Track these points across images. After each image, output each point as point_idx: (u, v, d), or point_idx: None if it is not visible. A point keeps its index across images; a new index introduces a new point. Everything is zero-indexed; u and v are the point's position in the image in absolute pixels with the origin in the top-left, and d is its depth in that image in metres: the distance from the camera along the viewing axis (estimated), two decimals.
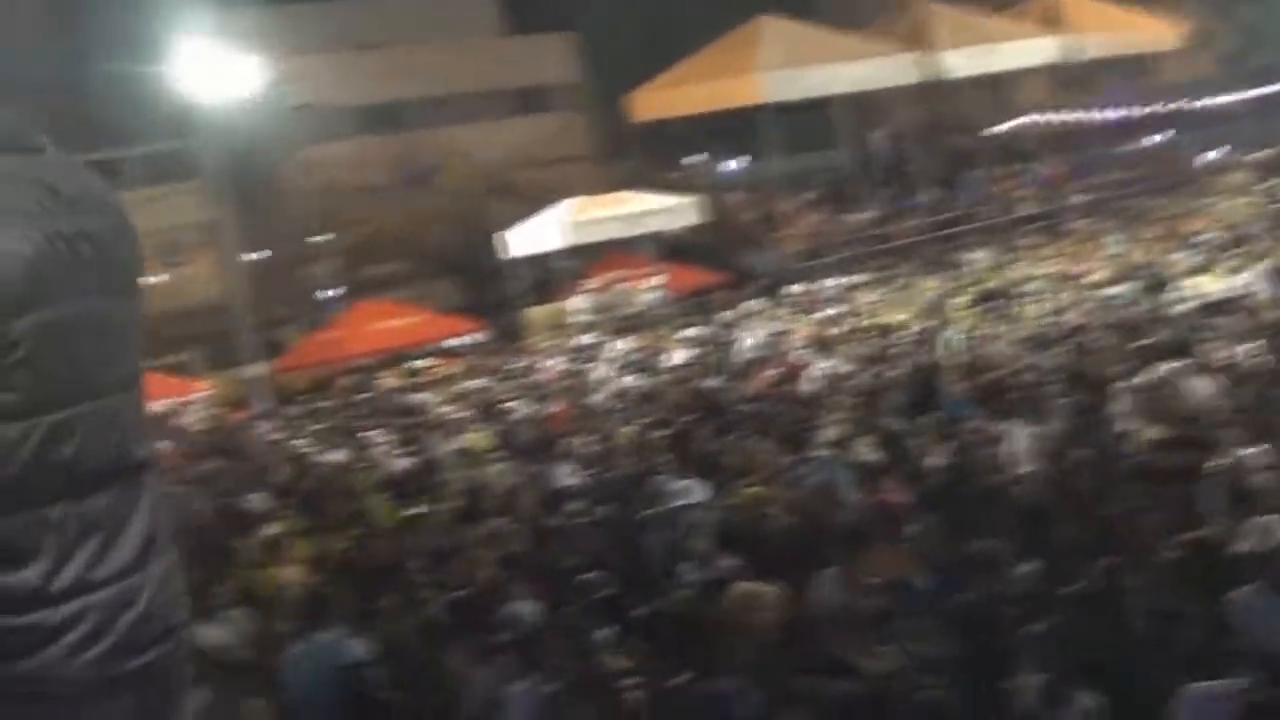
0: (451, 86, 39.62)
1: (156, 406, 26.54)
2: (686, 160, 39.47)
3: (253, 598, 9.81)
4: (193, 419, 24.69)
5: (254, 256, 40.69)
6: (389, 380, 24.38)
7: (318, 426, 18.96)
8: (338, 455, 15.84)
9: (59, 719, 2.52)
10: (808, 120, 36.88)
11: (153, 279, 43.21)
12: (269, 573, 10.46)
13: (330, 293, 41.45)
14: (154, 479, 2.65)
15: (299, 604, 9.68)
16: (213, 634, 9.43)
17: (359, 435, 16.92)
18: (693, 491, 10.38)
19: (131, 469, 2.57)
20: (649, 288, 23.09)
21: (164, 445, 20.68)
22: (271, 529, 12.03)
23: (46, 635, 2.46)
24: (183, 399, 27.38)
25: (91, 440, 2.45)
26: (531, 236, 24.00)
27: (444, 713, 7.46)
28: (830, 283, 26.52)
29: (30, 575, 2.45)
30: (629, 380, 18.00)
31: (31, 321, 2.11)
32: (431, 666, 7.84)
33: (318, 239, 39.77)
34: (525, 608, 8.68)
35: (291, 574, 10.66)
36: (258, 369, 27.68)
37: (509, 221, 27.15)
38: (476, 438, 15.36)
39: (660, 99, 35.48)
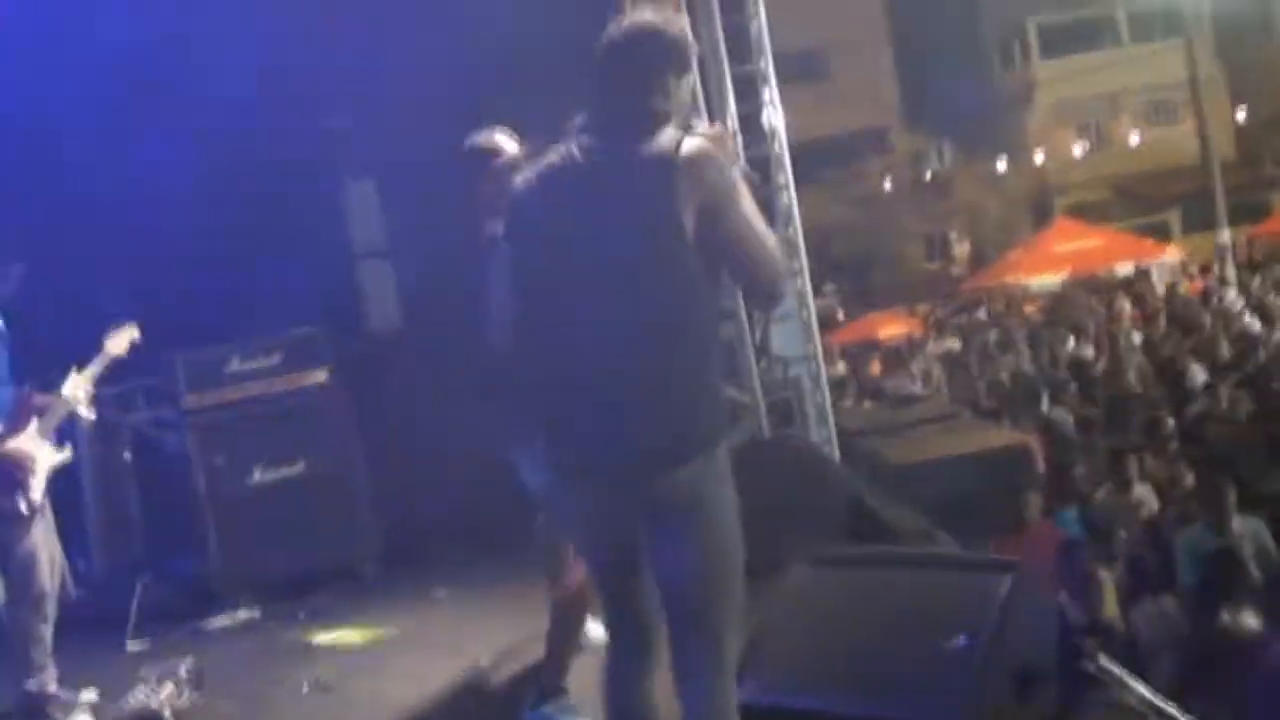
0: None
1: (1122, 268, 26.48)
2: None
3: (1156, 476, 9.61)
4: (1155, 282, 24.26)
5: (1242, 114, 38.95)
6: None
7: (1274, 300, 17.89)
8: None
9: None
10: None
11: (1136, 138, 42.92)
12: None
13: None
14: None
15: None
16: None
17: None
18: None
19: None
20: None
21: (1124, 308, 20.65)
22: (1201, 405, 11.65)
23: None
24: (1150, 260, 27.07)
25: None
26: None
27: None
28: None
29: None
30: None
31: None
32: None
33: None
34: None
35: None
36: (1230, 233, 26.51)
37: None
38: None
39: None
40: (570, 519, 4.03)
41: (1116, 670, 4.68)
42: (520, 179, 3.78)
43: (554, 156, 3.70)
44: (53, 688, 5.98)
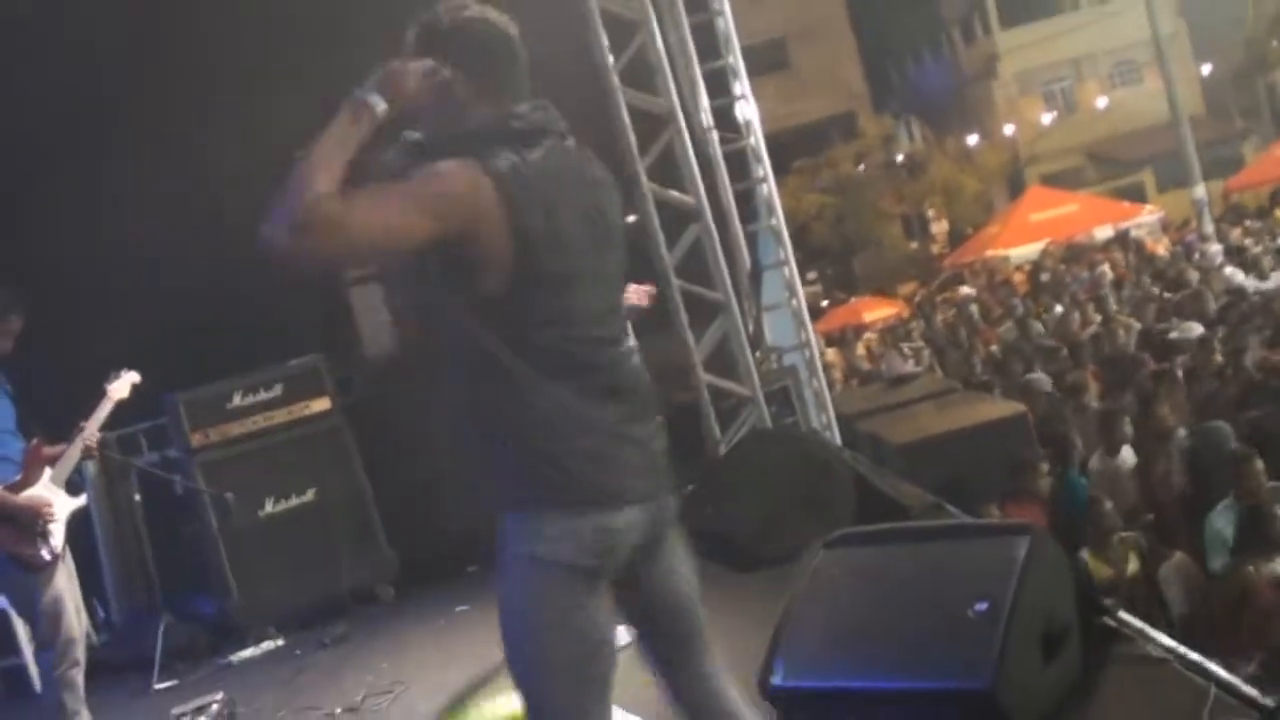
0: None
1: (1101, 231, 26.58)
2: None
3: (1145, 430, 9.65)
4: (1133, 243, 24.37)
5: (1207, 69, 39.11)
6: None
7: (1257, 250, 17.94)
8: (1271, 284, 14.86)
9: None
10: None
11: (1103, 102, 43.05)
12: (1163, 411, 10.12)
13: None
14: None
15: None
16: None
17: None
18: None
19: None
20: None
21: (1105, 272, 20.74)
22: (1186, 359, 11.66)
23: None
24: (1128, 221, 27.18)
25: None
26: None
27: None
28: None
29: None
30: None
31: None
32: None
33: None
34: None
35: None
36: (1205, 188, 26.57)
37: None
38: None
39: None
40: None
41: (1136, 623, 4.75)
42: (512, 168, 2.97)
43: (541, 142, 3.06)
44: None
